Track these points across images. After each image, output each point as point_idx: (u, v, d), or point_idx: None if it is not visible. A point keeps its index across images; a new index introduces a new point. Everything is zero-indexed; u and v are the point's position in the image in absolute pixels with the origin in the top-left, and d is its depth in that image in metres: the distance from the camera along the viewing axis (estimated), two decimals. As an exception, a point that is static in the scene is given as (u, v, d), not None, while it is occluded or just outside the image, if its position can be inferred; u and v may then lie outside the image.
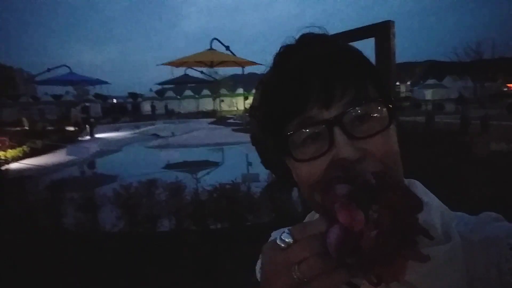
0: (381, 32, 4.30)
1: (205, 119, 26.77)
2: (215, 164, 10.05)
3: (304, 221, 0.64)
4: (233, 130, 16.48)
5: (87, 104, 21.84)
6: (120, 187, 4.34)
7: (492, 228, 0.50)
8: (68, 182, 5.17)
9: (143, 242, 3.86)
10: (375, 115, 0.47)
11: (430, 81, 38.88)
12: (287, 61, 0.51)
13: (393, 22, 4.25)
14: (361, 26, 4.43)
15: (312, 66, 0.48)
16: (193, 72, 18.08)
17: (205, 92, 39.02)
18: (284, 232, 0.39)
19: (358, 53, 0.52)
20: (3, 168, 6.92)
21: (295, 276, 0.37)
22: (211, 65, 13.04)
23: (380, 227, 0.35)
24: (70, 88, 34.98)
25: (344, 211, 0.35)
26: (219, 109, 33.90)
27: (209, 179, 5.82)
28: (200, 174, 8.15)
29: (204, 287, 3.21)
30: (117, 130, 20.74)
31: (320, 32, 0.54)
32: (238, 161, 9.42)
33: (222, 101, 36.49)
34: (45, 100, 34.36)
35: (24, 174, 7.17)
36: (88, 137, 16.35)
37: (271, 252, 0.40)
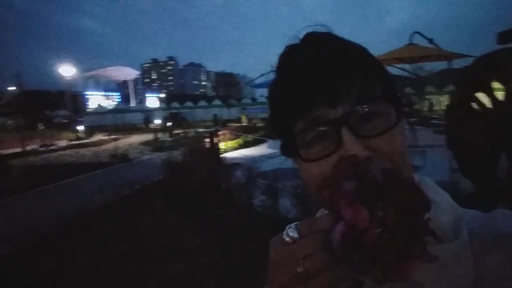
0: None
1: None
2: (415, 168, 9.28)
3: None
4: (434, 131, 14.84)
5: None
6: (298, 179, 4.88)
7: (506, 225, 0.47)
8: (263, 171, 6.10)
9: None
10: (382, 113, 0.47)
11: None
12: (292, 60, 0.51)
13: None
14: None
15: (317, 65, 0.47)
16: (392, 70, 17.26)
17: (408, 90, 36.14)
18: (290, 227, 0.40)
19: (364, 51, 0.51)
20: (221, 155, 8.75)
21: (299, 271, 0.37)
22: (410, 60, 12.20)
23: (384, 225, 0.34)
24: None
25: (349, 208, 0.35)
26: (425, 109, 30.69)
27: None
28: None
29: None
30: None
31: (325, 30, 0.54)
32: (440, 166, 7.77)
33: (430, 100, 32.71)
34: (260, 101, 40.48)
35: (235, 162, 8.89)
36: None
37: (277, 247, 0.40)
